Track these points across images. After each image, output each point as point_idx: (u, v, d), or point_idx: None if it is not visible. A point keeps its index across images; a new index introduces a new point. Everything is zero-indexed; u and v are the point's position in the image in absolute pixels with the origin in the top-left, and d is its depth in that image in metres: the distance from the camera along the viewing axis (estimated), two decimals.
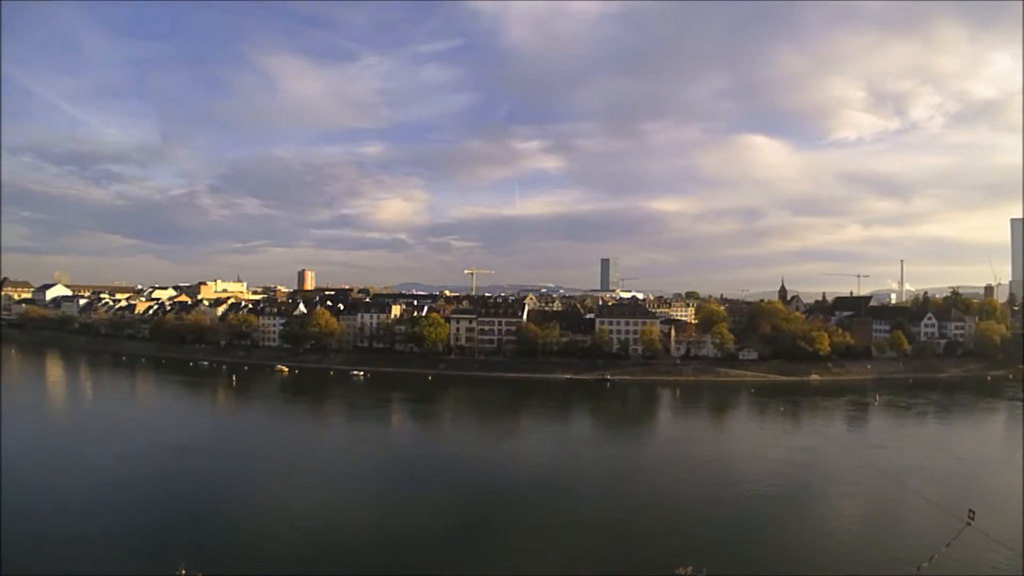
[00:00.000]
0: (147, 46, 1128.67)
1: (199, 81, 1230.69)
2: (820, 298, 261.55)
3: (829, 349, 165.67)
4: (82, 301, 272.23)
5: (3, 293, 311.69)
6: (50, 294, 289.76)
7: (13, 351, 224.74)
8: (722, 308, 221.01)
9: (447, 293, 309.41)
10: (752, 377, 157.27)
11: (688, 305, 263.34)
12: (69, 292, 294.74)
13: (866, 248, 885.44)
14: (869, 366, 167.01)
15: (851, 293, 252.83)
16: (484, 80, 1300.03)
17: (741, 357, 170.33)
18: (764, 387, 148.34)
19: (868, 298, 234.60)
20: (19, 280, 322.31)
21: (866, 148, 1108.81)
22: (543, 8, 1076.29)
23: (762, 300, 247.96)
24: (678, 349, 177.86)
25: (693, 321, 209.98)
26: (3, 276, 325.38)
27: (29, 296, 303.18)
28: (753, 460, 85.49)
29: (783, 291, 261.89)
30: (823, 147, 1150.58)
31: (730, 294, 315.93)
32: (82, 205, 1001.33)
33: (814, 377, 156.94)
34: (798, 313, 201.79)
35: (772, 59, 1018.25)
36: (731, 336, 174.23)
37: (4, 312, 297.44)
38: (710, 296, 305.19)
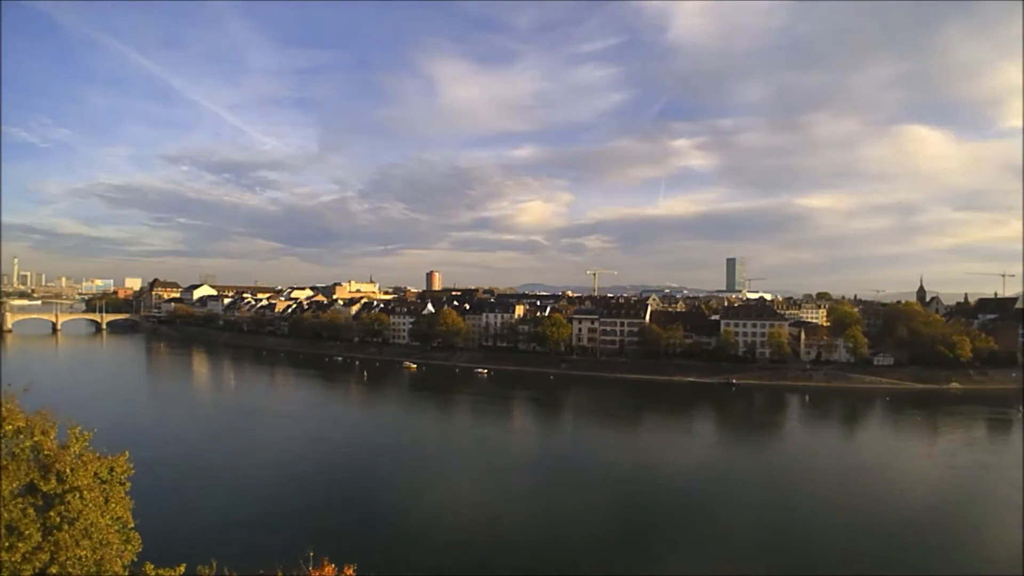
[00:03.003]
0: (311, 54, 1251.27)
1: (361, 88, 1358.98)
2: (962, 299, 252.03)
3: (971, 355, 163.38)
4: (226, 300, 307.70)
5: (154, 293, 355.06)
6: (197, 294, 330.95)
7: (163, 345, 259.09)
8: (856, 310, 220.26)
9: (570, 294, 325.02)
10: (887, 384, 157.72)
11: (819, 306, 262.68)
12: (214, 292, 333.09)
13: None
14: (1014, 374, 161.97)
15: (995, 294, 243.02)
16: (641, 77, 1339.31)
17: (876, 363, 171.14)
18: (900, 395, 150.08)
19: (1014, 299, 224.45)
20: (168, 281, 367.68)
21: None
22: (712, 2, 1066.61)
23: (898, 301, 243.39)
24: (808, 353, 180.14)
25: (825, 323, 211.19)
26: (152, 279, 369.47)
27: (177, 296, 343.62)
28: (895, 475, 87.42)
29: (921, 291, 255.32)
30: (988, 137, 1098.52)
31: (864, 294, 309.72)
32: (236, 211, 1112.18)
33: (954, 385, 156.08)
34: (937, 316, 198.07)
35: (947, 46, 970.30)
36: (865, 340, 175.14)
37: (155, 310, 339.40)
38: (843, 297, 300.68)
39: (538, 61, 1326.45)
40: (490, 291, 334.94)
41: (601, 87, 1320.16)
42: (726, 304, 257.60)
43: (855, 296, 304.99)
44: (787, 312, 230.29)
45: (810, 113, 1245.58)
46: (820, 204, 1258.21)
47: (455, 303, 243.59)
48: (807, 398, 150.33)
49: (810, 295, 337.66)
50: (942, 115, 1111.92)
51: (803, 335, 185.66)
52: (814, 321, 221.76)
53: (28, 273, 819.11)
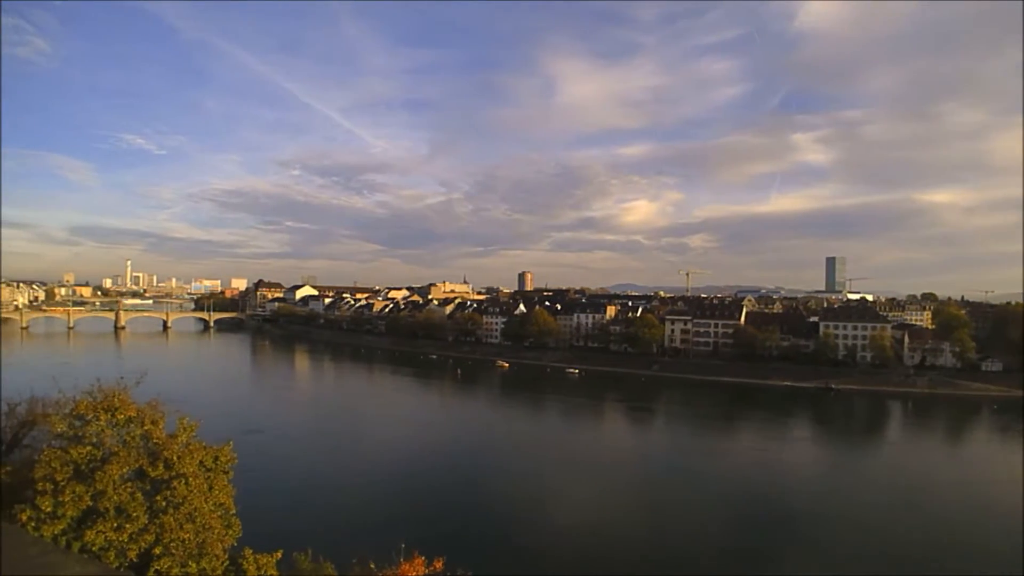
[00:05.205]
0: (424, 54, 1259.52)
1: (474, 89, 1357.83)
2: None
3: None
4: (327, 300, 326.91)
5: (259, 293, 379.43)
6: (299, 294, 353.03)
7: (267, 343, 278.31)
8: (963, 312, 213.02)
9: (662, 294, 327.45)
10: (995, 391, 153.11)
11: (924, 308, 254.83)
12: (315, 292, 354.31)
13: None
14: None
15: None
16: (762, 68, 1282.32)
17: (983, 368, 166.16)
18: (1008, 404, 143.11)
19: None
20: (272, 281, 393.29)
21: None
22: None
23: (1009, 303, 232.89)
24: (911, 357, 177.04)
25: (930, 326, 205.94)
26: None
27: (281, 295, 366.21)
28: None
29: None
30: None
31: (973, 295, 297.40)
32: (343, 214, 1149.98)
33: None
34: None
35: None
36: (972, 344, 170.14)
37: (259, 309, 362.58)
38: (949, 298, 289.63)
39: (657, 55, 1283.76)
40: (582, 291, 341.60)
41: (719, 80, 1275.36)
42: (825, 305, 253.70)
43: (962, 297, 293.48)
44: (890, 314, 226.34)
45: (938, 103, 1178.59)
46: (940, 199, 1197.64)
47: (547, 303, 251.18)
48: (910, 405, 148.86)
49: (915, 296, 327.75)
50: None
51: (907, 338, 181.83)
52: (918, 323, 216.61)
53: (140, 274, 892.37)
